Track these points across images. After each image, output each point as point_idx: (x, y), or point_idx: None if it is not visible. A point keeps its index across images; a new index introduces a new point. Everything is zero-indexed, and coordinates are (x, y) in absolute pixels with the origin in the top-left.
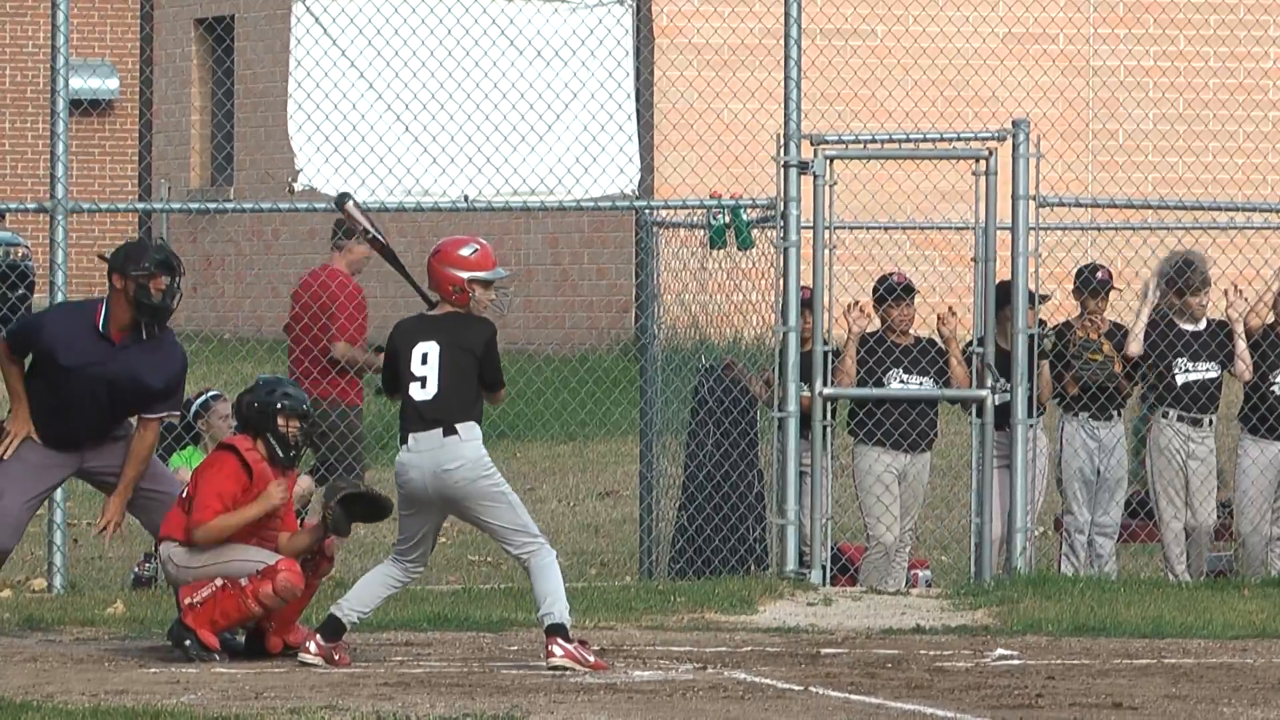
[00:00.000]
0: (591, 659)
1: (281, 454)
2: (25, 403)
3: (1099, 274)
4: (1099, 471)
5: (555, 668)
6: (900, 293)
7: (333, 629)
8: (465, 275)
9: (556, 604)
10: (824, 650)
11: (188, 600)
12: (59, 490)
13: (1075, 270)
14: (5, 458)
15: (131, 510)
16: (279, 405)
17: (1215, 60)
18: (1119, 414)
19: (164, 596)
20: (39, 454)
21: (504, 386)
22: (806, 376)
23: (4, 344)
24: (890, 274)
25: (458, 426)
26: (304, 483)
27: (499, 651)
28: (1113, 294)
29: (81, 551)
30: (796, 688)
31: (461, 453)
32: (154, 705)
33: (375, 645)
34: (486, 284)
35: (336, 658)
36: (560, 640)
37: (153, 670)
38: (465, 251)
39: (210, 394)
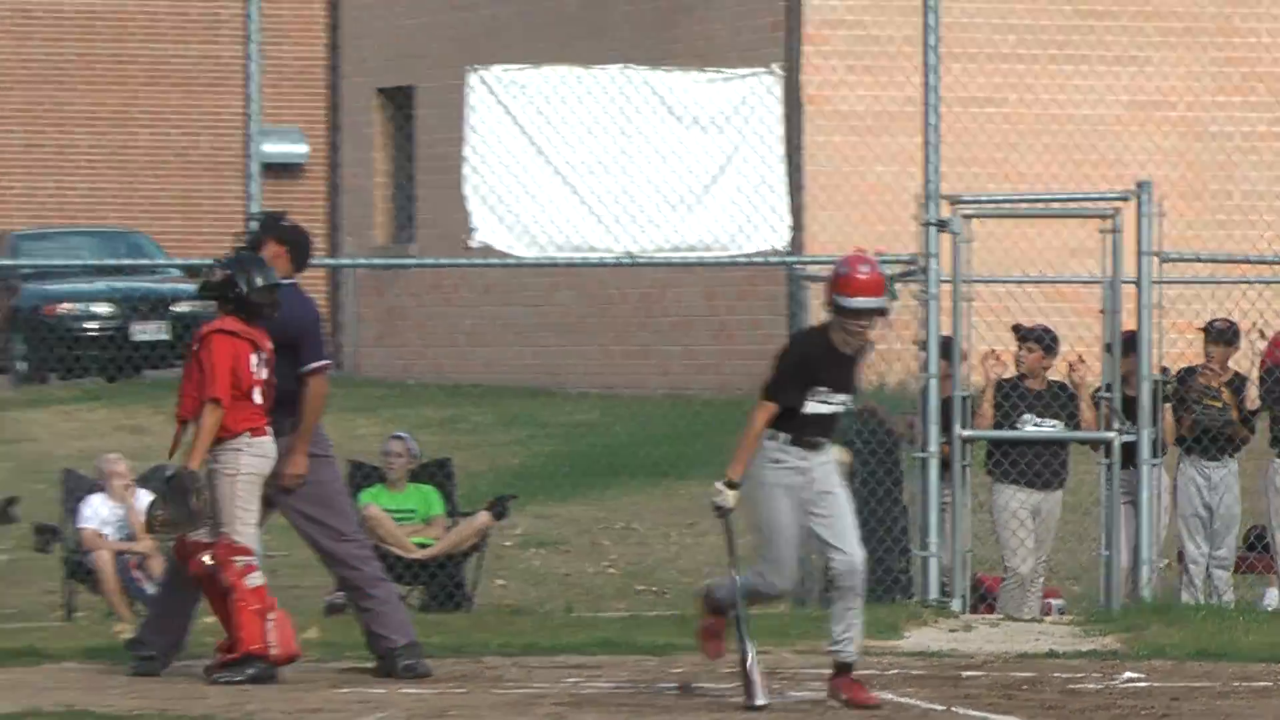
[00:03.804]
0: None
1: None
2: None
3: (1217, 323)
4: (1211, 508)
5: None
6: (1029, 338)
7: None
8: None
9: None
10: (965, 673)
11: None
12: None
13: (1204, 323)
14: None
15: (306, 538)
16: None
17: None
18: (1231, 455)
19: (355, 624)
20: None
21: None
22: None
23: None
24: (1035, 327)
25: None
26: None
27: (663, 674)
28: (1248, 339)
29: (279, 580)
30: (939, 708)
31: None
32: None
33: (550, 667)
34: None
35: None
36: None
37: (345, 691)
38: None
39: (393, 435)
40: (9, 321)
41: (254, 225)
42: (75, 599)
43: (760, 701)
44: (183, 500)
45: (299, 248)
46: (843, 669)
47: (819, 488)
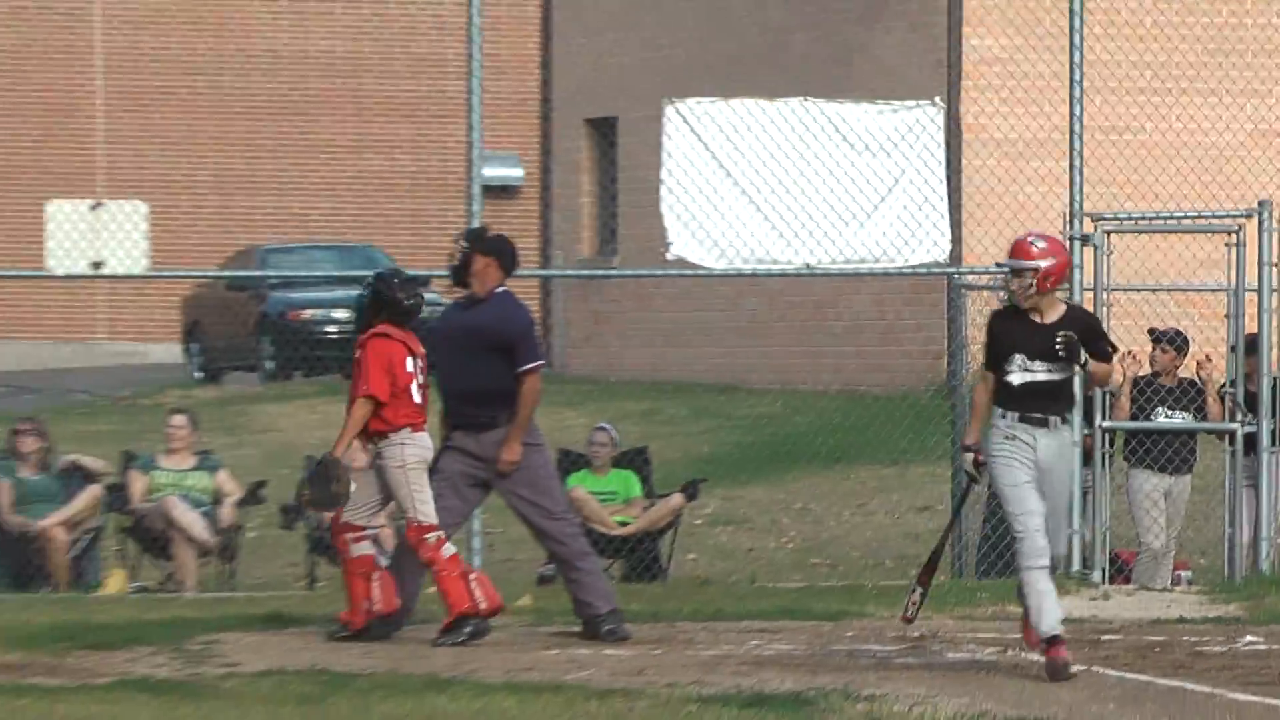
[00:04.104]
0: None
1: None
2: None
3: None
4: None
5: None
6: (1162, 340)
7: None
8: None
9: None
10: (1103, 636)
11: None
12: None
13: None
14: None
15: (521, 517)
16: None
17: None
18: None
19: (563, 593)
20: (455, 463)
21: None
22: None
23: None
24: (1168, 330)
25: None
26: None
27: (836, 637)
28: None
29: (495, 554)
30: (1080, 667)
31: None
32: (555, 680)
33: (735, 631)
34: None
35: None
36: None
37: (554, 652)
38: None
39: (597, 426)
40: (258, 326)
41: (463, 242)
42: (316, 570)
43: (910, 617)
44: (324, 484)
45: (505, 256)
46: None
47: (1043, 468)
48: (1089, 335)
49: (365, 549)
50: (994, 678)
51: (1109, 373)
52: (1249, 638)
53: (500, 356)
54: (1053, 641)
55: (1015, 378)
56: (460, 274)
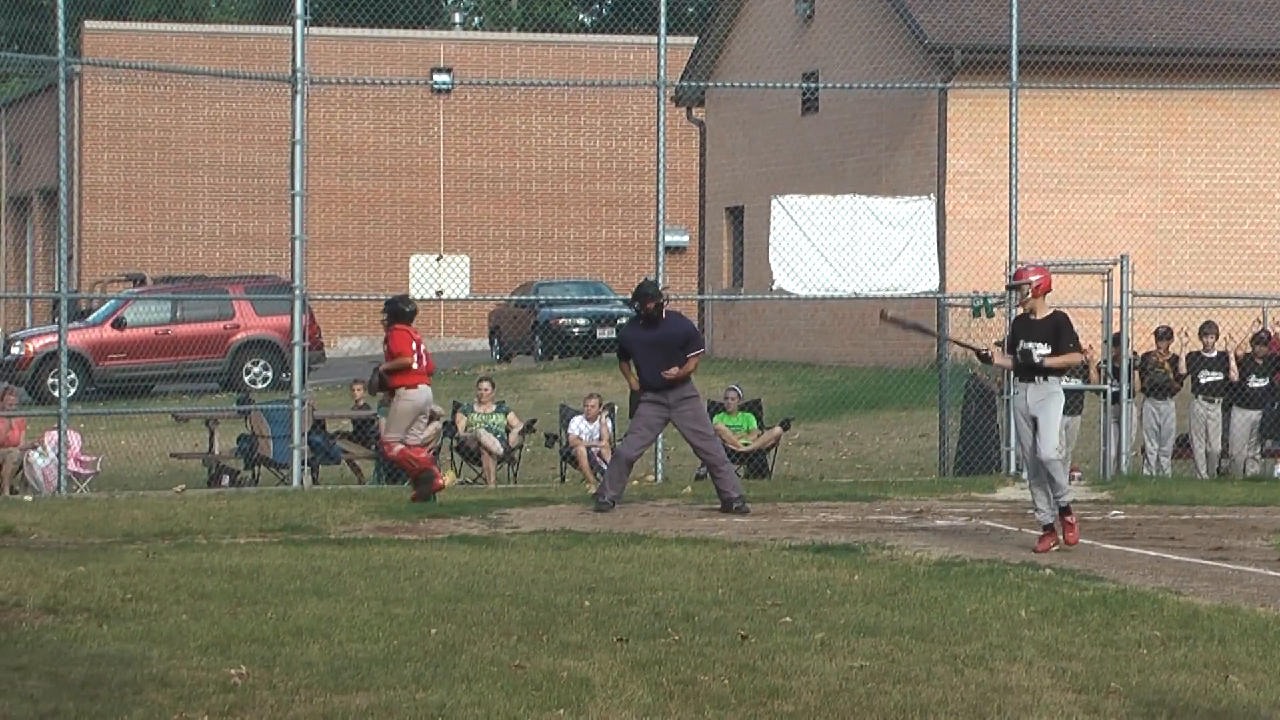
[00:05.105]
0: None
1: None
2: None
3: (1161, 329)
4: (1159, 425)
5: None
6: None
7: None
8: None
9: None
10: (1028, 511)
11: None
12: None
13: (1156, 328)
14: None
15: (688, 440)
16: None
17: None
18: (1171, 398)
19: (710, 485)
20: (649, 409)
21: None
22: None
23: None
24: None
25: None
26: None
27: (871, 511)
28: (1177, 337)
29: (671, 461)
30: (1014, 529)
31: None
32: (705, 536)
33: (811, 508)
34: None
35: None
36: None
37: (704, 519)
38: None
39: (729, 387)
40: (533, 328)
41: (635, 294)
42: (566, 471)
43: (885, 313)
44: (374, 378)
45: (660, 294)
46: (1063, 511)
47: (1031, 407)
48: (1057, 331)
49: (422, 454)
50: (964, 537)
51: (1065, 363)
52: (1114, 512)
53: (679, 349)
54: (1048, 529)
55: (1020, 354)
56: (657, 314)
